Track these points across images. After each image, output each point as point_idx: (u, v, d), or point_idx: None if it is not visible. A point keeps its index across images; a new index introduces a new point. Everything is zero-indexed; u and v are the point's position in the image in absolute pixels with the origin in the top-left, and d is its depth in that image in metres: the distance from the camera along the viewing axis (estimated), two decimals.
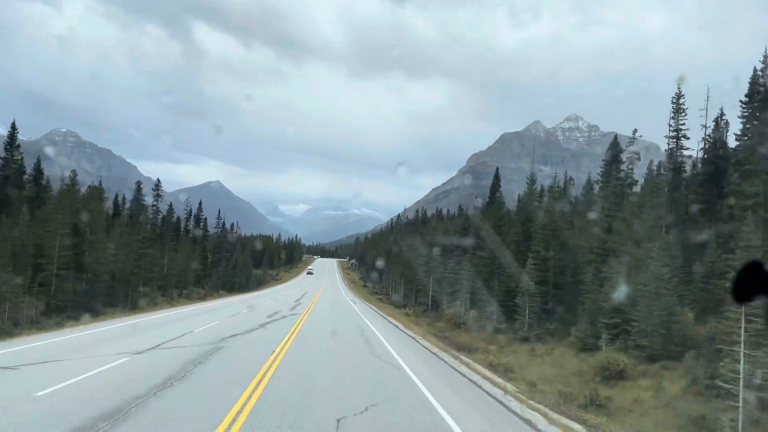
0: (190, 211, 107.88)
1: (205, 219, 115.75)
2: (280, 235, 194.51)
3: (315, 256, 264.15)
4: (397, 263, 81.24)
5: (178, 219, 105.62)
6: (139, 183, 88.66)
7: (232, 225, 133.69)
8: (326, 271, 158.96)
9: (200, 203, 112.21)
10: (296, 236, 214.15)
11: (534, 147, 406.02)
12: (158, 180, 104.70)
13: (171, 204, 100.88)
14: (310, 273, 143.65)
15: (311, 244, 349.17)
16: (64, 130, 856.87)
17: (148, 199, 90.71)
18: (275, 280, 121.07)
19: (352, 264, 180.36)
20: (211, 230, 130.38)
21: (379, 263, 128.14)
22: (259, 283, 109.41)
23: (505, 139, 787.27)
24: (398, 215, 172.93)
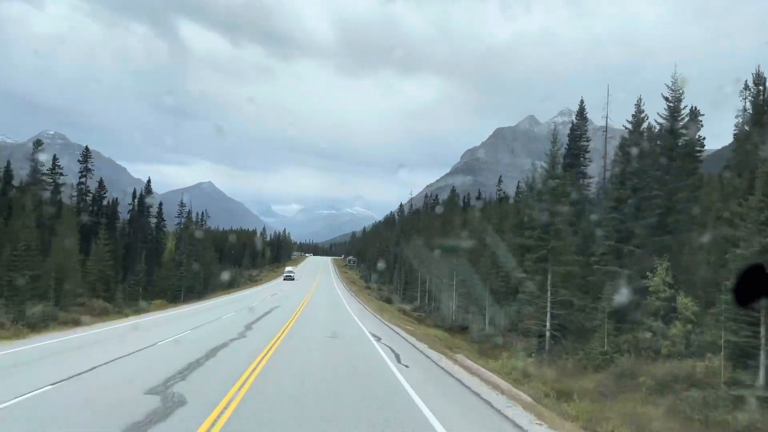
0: (134, 196, 79.36)
1: (161, 205, 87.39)
2: (264, 229, 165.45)
3: (307, 254, 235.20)
4: (455, 256, 51.42)
5: (114, 202, 76.92)
6: (38, 142, 60.29)
7: (202, 214, 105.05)
8: (319, 270, 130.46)
9: (149, 181, 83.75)
10: (284, 230, 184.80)
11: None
12: (86, 148, 76.51)
13: (101, 179, 72.62)
14: (288, 278, 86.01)
15: (304, 242, 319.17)
16: (52, 132, 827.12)
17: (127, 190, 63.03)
18: (253, 282, 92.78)
19: (349, 261, 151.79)
20: (172, 222, 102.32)
21: (383, 262, 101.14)
22: (230, 285, 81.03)
23: (499, 135, 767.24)
24: (401, 204, 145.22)
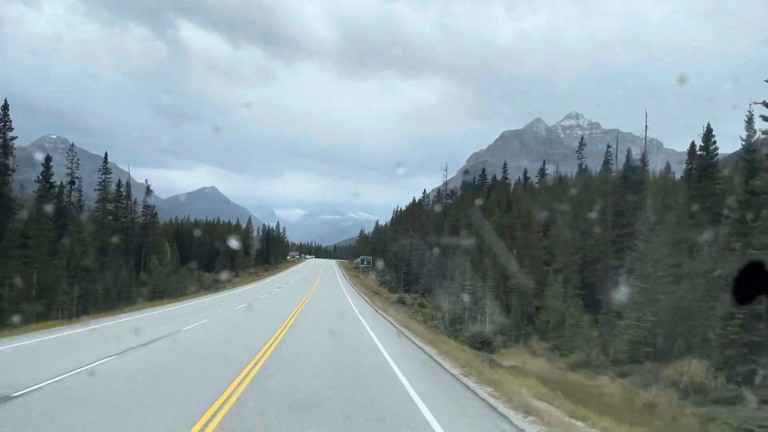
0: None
1: (54, 165, 50.00)
2: (250, 220, 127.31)
3: (308, 256, 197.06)
4: None
5: None
6: None
7: (117, 184, 66.81)
8: (318, 273, 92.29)
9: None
10: (277, 224, 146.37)
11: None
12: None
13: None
14: None
15: (307, 244, 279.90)
16: (54, 136, 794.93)
17: None
18: (212, 291, 54.36)
19: (361, 261, 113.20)
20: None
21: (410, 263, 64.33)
22: (170, 293, 43.51)
23: (505, 138, 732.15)
24: (424, 191, 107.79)
